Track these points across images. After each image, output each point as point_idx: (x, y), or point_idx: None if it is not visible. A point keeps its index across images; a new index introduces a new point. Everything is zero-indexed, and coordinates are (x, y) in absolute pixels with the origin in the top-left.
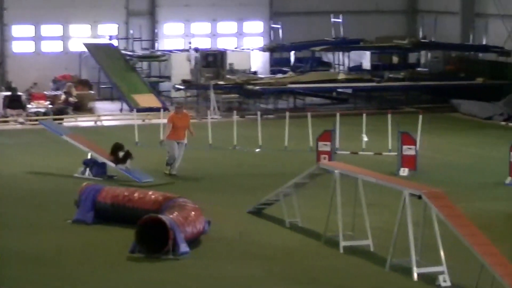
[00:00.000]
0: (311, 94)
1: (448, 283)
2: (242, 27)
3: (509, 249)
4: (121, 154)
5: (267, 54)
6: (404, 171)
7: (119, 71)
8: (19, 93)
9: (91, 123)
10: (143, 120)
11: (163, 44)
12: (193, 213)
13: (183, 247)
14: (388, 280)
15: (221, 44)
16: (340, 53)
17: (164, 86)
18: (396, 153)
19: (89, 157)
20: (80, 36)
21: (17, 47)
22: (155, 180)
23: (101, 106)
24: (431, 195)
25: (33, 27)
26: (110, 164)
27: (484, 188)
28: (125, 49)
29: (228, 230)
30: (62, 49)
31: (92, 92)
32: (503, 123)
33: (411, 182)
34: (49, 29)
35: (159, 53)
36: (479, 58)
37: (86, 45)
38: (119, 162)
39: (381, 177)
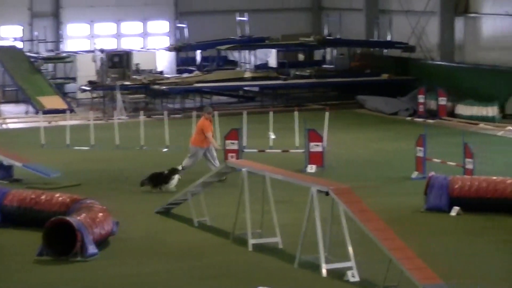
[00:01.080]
0: (218, 93)
1: (357, 279)
2: (147, 27)
3: (417, 243)
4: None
5: (173, 53)
6: (311, 168)
7: (24, 73)
8: None
9: None
10: (49, 122)
11: (68, 45)
12: (100, 214)
13: (91, 249)
14: (297, 277)
15: (127, 44)
16: (246, 52)
17: (70, 87)
18: (303, 150)
19: None
20: None
21: None
22: (62, 182)
23: (6, 109)
24: (338, 191)
25: None
26: (17, 165)
27: (391, 183)
28: (29, 51)
29: (137, 231)
30: None
31: None
32: (408, 118)
33: (319, 178)
34: None
35: (64, 54)
36: (384, 54)
37: None
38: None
39: (288, 174)
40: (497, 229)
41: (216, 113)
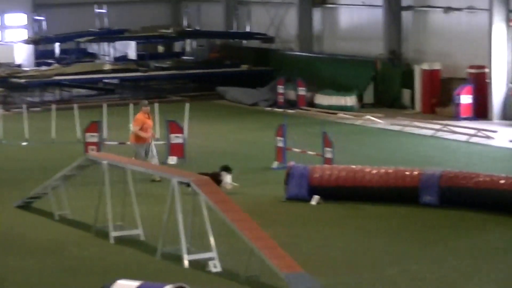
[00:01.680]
0: (78, 85)
1: (219, 269)
2: (4, 19)
3: (278, 232)
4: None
5: (31, 46)
6: (172, 160)
7: None
8: None
9: None
10: None
11: None
12: None
13: None
14: (160, 268)
15: None
16: (106, 44)
17: None
18: (164, 142)
19: None
20: None
21: None
22: None
23: None
24: (199, 182)
25: None
26: None
27: (251, 173)
28: None
29: None
30: None
31: None
32: (268, 108)
33: (180, 170)
34: None
35: None
36: (243, 45)
37: None
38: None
39: (149, 166)
40: (356, 217)
41: (75, 106)
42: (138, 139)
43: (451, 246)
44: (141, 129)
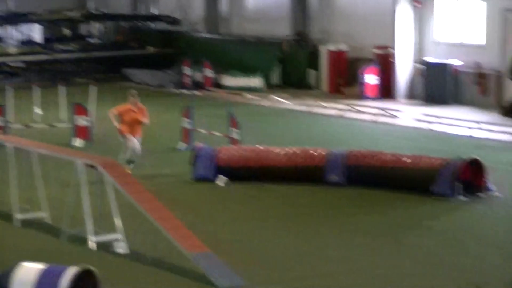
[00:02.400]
0: None
1: (126, 250)
2: None
3: (185, 213)
4: None
5: None
6: (78, 142)
7: None
8: None
9: None
10: None
11: None
12: None
13: None
14: (66, 251)
15: None
16: (10, 27)
17: None
18: (69, 125)
19: None
20: None
21: None
22: None
23: None
24: (105, 165)
25: None
26: None
27: (158, 154)
28: None
29: None
30: None
31: None
32: (175, 90)
33: (86, 152)
34: None
35: None
36: (149, 27)
37: None
38: None
39: (55, 149)
40: (263, 197)
41: None
42: (123, 130)
43: (358, 224)
44: (122, 121)
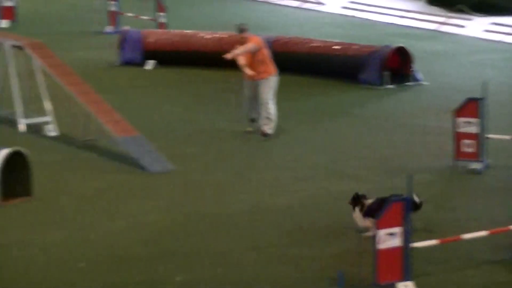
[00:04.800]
0: None
1: (55, 133)
2: None
3: (113, 97)
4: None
5: None
6: (3, 23)
7: None
8: None
9: None
10: None
11: None
12: None
13: None
14: None
15: None
16: None
17: None
18: None
19: None
20: None
21: None
22: None
23: None
24: (32, 46)
25: None
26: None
27: (83, 37)
28: None
29: None
30: None
31: None
32: None
33: (12, 33)
34: None
35: None
36: None
37: None
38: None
39: None
40: (190, 82)
41: None
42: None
43: (285, 110)
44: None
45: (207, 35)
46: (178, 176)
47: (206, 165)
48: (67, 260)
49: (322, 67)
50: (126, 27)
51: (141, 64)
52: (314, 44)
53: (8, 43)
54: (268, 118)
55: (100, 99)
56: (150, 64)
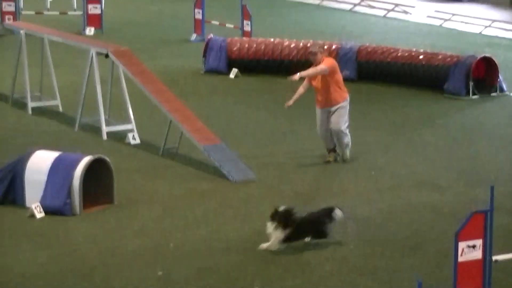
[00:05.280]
0: None
1: (138, 141)
2: None
3: (196, 104)
4: None
5: None
6: (90, 30)
7: None
8: None
9: None
10: None
11: None
12: None
13: None
14: (78, 139)
15: None
16: None
17: None
18: (81, 12)
19: None
20: None
21: None
22: None
23: None
24: (117, 53)
25: None
26: None
27: (170, 45)
28: None
29: None
30: None
31: None
32: None
33: (98, 40)
34: None
35: None
36: None
37: None
38: None
39: (67, 36)
40: (273, 90)
41: None
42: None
43: (369, 121)
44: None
45: (292, 43)
46: (260, 185)
47: (288, 174)
48: (146, 268)
49: (407, 76)
50: (211, 35)
51: (225, 72)
52: (399, 54)
53: (93, 49)
54: (346, 144)
55: (183, 107)
56: (233, 72)
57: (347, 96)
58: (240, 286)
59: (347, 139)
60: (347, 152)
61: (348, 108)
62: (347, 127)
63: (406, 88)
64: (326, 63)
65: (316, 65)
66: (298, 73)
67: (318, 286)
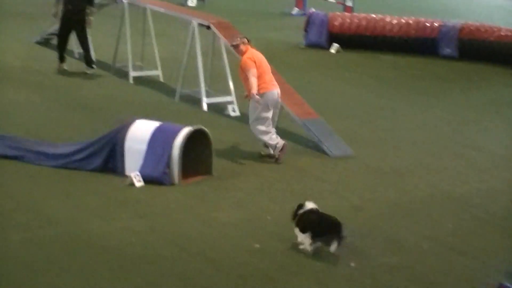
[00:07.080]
0: None
1: (237, 113)
2: None
3: (295, 77)
4: None
5: None
6: (192, 2)
7: None
8: None
9: None
10: None
11: None
12: None
13: None
14: (178, 110)
15: None
16: None
17: None
18: None
19: None
20: None
21: None
22: None
23: None
24: (219, 25)
25: None
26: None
27: (270, 19)
28: None
29: (13, 60)
30: None
31: None
32: None
33: (200, 12)
34: None
35: None
36: None
37: None
38: None
39: (169, 7)
40: (374, 66)
41: None
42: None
43: (469, 100)
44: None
45: (393, 19)
46: (357, 161)
47: (386, 151)
48: (242, 240)
49: (509, 55)
50: (312, 10)
51: (326, 47)
52: (503, 33)
53: (195, 21)
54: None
55: (283, 81)
56: (334, 47)
57: (255, 93)
58: (336, 262)
59: (259, 137)
60: (265, 150)
61: (255, 105)
62: (256, 124)
63: (508, 68)
64: (245, 60)
65: (241, 56)
66: (252, 92)
67: (415, 264)
